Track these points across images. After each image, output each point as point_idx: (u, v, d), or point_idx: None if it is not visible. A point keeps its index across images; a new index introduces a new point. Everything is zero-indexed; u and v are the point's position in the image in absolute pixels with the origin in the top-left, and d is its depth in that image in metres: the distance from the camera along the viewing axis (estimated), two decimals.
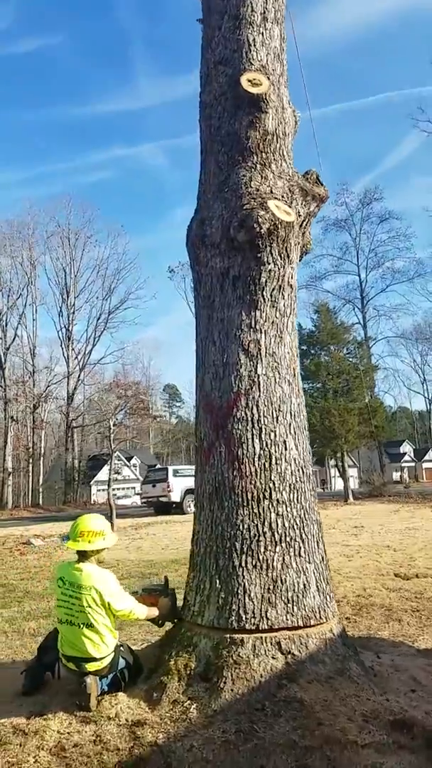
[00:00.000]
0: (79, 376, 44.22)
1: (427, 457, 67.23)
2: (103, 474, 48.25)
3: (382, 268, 51.29)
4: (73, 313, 45.49)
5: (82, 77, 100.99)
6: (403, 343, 58.92)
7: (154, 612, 3.69)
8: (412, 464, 64.55)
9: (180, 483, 20.98)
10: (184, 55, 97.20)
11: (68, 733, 3.10)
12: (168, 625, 3.91)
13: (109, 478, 18.60)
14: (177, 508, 20.47)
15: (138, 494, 46.55)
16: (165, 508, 20.68)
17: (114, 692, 3.43)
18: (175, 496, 20.44)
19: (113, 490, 19.19)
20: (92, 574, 3.45)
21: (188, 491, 20.81)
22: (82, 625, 3.39)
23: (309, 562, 3.57)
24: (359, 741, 2.76)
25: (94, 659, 3.42)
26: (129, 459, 50.85)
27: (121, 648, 3.59)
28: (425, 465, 66.38)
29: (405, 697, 3.30)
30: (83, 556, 3.54)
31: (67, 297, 45.29)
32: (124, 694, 3.40)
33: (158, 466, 36.28)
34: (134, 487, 47.32)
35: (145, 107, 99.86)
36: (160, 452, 67.37)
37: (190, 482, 21.33)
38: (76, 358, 45.30)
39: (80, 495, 44.71)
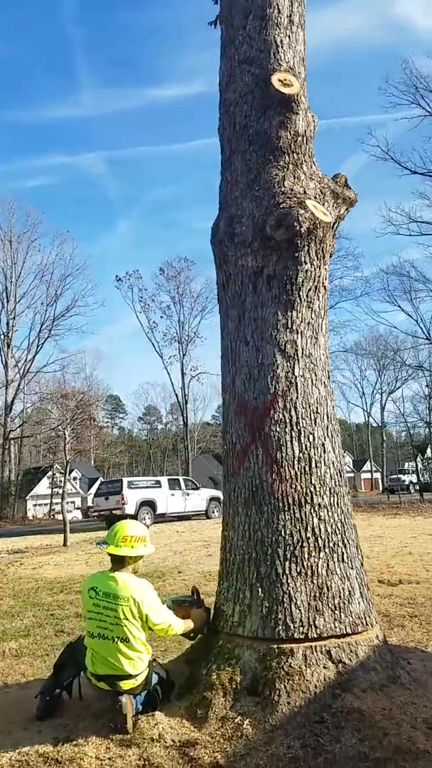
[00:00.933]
0: (19, 385, 42.65)
1: (365, 468, 69.16)
2: (41, 488, 46.64)
3: (332, 285, 52.61)
4: (14, 318, 43.95)
5: (24, 81, 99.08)
6: (344, 358, 60.62)
7: (190, 625, 3.49)
8: (351, 475, 66.25)
9: (134, 495, 20.51)
10: (127, 68, 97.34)
11: (109, 758, 2.87)
12: (198, 638, 3.73)
13: (63, 491, 17.98)
14: None
15: (78, 509, 45.33)
16: (118, 521, 20.15)
17: (149, 711, 3.22)
18: (130, 509, 19.91)
19: (55, 504, 18.60)
20: (129, 583, 3.23)
21: (143, 503, 20.39)
22: (117, 639, 3.16)
23: (351, 568, 3.49)
24: (430, 750, 2.69)
25: (130, 676, 3.19)
26: (69, 472, 49.49)
27: (154, 663, 3.38)
28: (363, 476, 68.25)
29: None
30: (119, 564, 3.33)
31: (7, 302, 43.73)
32: (161, 713, 3.19)
33: (101, 479, 35.42)
34: (73, 501, 46.04)
35: (87, 116, 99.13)
36: (101, 465, 66.05)
37: (144, 494, 20.94)
38: (16, 365, 43.73)
39: (16, 510, 42.94)
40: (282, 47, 4.18)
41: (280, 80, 4.03)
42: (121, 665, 3.17)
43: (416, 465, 48.30)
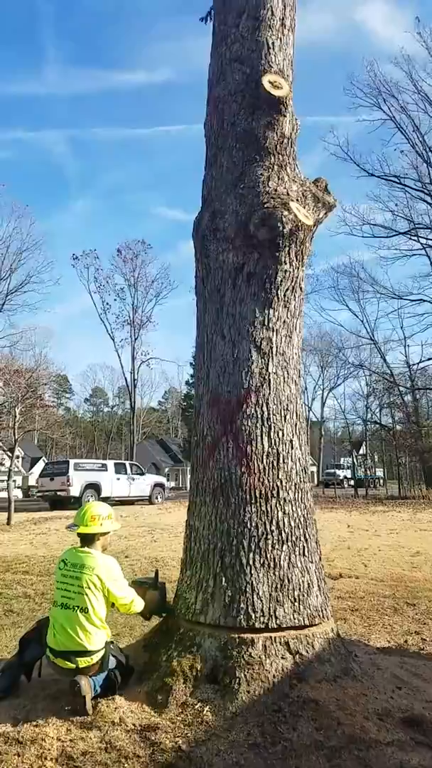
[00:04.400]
0: None
1: None
2: None
3: None
4: None
5: None
6: None
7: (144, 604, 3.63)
8: None
9: (80, 477, 20.27)
10: (94, 49, 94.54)
11: (71, 740, 2.89)
12: (155, 620, 3.79)
13: (10, 470, 17.54)
14: (75, 503, 19.75)
15: (19, 488, 44.28)
16: (62, 502, 19.86)
17: (108, 695, 3.26)
18: (75, 491, 19.67)
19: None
20: (96, 556, 3.41)
21: (88, 486, 20.18)
22: (77, 609, 3.28)
23: (311, 562, 3.61)
24: (381, 739, 2.83)
25: (86, 652, 3.26)
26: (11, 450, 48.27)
27: (111, 646, 3.42)
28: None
29: (395, 694, 3.44)
30: (89, 542, 3.49)
31: None
32: (121, 697, 3.22)
33: (45, 459, 34.73)
34: (15, 480, 44.98)
35: (51, 94, 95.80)
36: (43, 444, 64.71)
37: (90, 477, 20.74)
38: None
39: None
40: (273, 49, 4.21)
41: (270, 82, 4.06)
42: (78, 637, 3.24)
43: (352, 461, 49.86)
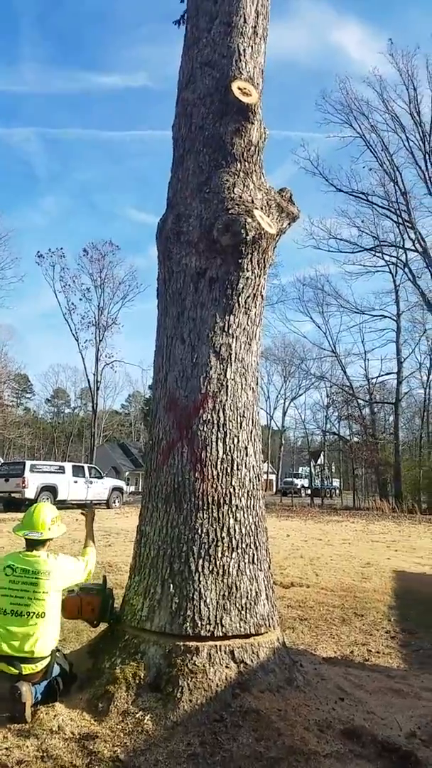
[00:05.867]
0: None
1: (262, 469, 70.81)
2: None
3: None
4: None
5: None
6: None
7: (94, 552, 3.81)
8: None
9: (36, 479, 19.83)
10: (73, 50, 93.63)
11: (6, 748, 2.80)
12: (102, 626, 3.72)
13: None
14: (30, 505, 19.26)
15: None
16: (16, 504, 19.36)
17: (48, 702, 3.17)
18: (30, 493, 19.20)
19: None
20: (48, 560, 3.33)
21: (44, 488, 19.77)
22: (32, 615, 3.20)
23: (260, 570, 3.60)
24: (320, 751, 2.82)
25: (32, 659, 3.17)
26: None
27: (57, 653, 3.33)
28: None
29: (338, 705, 3.45)
30: (38, 545, 3.40)
31: None
32: (61, 704, 3.14)
33: (1, 459, 33.92)
34: None
35: (25, 92, 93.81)
36: (0, 444, 63.18)
37: (47, 479, 20.32)
38: None
39: None
40: (244, 56, 4.23)
41: (239, 88, 4.07)
42: (27, 643, 3.15)
43: (310, 470, 50.41)
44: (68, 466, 22.65)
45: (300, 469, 57.31)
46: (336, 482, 54.30)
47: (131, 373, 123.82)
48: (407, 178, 34.89)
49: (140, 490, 51.03)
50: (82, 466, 23.78)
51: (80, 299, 43.41)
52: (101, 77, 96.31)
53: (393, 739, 3.01)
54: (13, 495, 19.42)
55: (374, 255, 34.58)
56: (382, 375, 39.03)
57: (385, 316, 35.94)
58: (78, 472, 22.39)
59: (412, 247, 32.22)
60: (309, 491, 46.18)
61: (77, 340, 43.61)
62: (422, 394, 40.39)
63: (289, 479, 49.89)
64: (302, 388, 51.01)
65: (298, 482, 50.68)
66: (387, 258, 34.67)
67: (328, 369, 42.46)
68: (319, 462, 51.98)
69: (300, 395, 53.45)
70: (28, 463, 20.58)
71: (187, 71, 4.34)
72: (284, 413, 56.91)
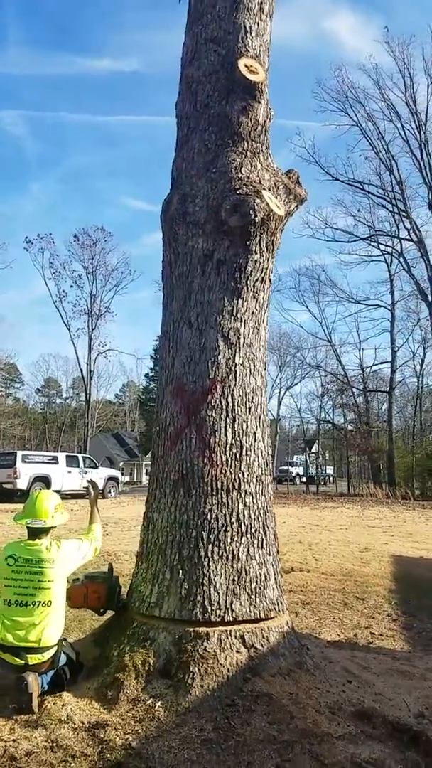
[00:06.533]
0: None
1: None
2: None
3: None
4: None
5: None
6: None
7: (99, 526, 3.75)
8: None
9: (28, 469, 19.72)
10: (62, 33, 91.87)
11: (14, 740, 2.76)
12: (107, 614, 3.69)
13: None
14: (23, 496, 19.22)
15: None
16: (8, 495, 19.27)
17: (55, 692, 3.13)
18: (22, 483, 19.08)
19: None
20: (51, 548, 3.27)
21: (37, 479, 19.68)
22: (38, 604, 3.14)
23: (269, 554, 3.58)
24: (333, 733, 2.81)
25: (38, 649, 3.12)
26: None
27: (64, 643, 3.30)
28: None
29: (347, 687, 3.45)
30: (39, 534, 3.32)
31: None
32: (69, 694, 3.11)
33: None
34: None
35: (12, 74, 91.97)
36: None
37: (40, 469, 20.22)
38: None
39: None
40: (250, 33, 4.13)
41: (246, 66, 3.98)
42: (36, 633, 3.11)
43: (305, 458, 50.61)
44: (62, 456, 22.55)
45: (295, 457, 57.52)
46: (330, 470, 54.59)
47: (125, 363, 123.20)
48: (403, 167, 34.89)
49: (135, 480, 51.16)
50: (77, 456, 23.70)
51: (71, 286, 43.09)
52: (92, 61, 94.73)
53: (403, 719, 3.01)
54: (4, 486, 19.32)
55: (370, 244, 34.54)
56: (377, 364, 39.16)
57: (380, 306, 35.97)
58: (72, 462, 22.30)
59: (407, 237, 32.21)
60: (304, 479, 46.44)
61: (69, 329, 43.36)
62: (415, 382, 40.54)
63: (285, 467, 50.02)
64: (297, 378, 50.85)
65: (294, 470, 50.87)
66: (382, 247, 34.65)
67: (323, 358, 42.46)
68: (313, 450, 52.31)
69: (295, 385, 53.26)
70: (20, 453, 20.44)
71: (191, 48, 4.23)
72: (279, 403, 56.91)
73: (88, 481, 4.12)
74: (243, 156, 3.92)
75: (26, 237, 43.31)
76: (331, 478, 52.32)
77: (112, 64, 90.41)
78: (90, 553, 3.52)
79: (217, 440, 3.52)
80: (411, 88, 30.55)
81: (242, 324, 3.72)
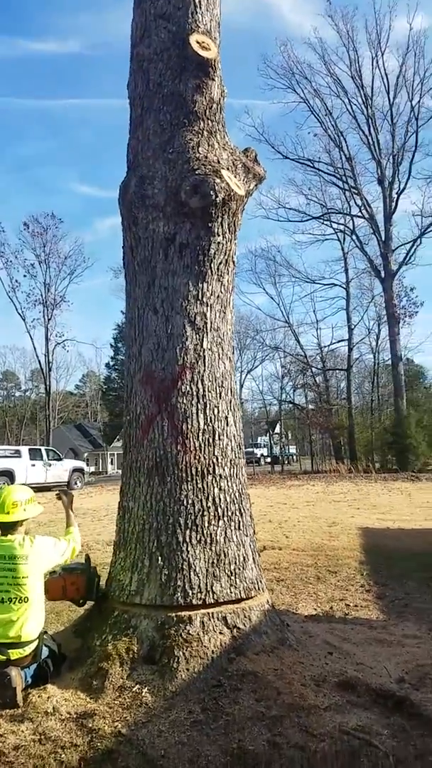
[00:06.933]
0: None
1: None
2: None
3: None
4: None
5: None
6: None
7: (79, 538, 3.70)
8: None
9: None
10: (2, 15, 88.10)
11: (1, 735, 2.73)
12: (87, 605, 3.68)
13: None
14: None
15: None
16: None
17: (39, 685, 3.12)
18: None
19: None
20: (25, 544, 3.23)
21: (0, 473, 19.33)
22: (13, 600, 3.11)
23: (246, 535, 3.61)
24: (319, 704, 2.88)
25: (19, 644, 3.11)
26: None
27: (45, 635, 3.27)
28: None
29: (329, 659, 3.53)
30: (10, 529, 3.28)
31: None
32: (53, 686, 3.09)
33: None
34: None
35: None
36: None
37: (2, 463, 19.86)
38: None
39: None
40: (200, 8, 4.06)
41: (198, 42, 3.92)
42: (14, 629, 3.09)
43: (269, 439, 51.18)
44: (24, 449, 22.17)
45: (259, 438, 58.12)
46: (293, 449, 55.42)
47: (84, 353, 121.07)
48: (352, 143, 35.08)
49: (101, 470, 50.76)
50: (40, 449, 23.32)
51: (24, 276, 41.95)
52: (33, 43, 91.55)
53: (386, 686, 3.11)
54: None
55: (322, 223, 34.72)
56: (334, 343, 39.68)
57: (335, 284, 36.32)
58: (35, 455, 21.96)
59: (359, 214, 32.49)
60: (269, 459, 47.00)
61: (24, 320, 42.28)
62: (371, 359, 41.36)
63: (249, 449, 50.49)
64: (258, 360, 51.16)
65: (258, 452, 51.47)
66: (335, 226, 34.87)
67: (282, 339, 42.77)
68: (276, 431, 52.91)
69: (256, 367, 53.68)
70: None
71: (140, 25, 4.13)
72: (241, 386, 57.25)
73: (58, 492, 4.07)
74: (200, 135, 3.87)
75: None
76: (294, 457, 53.15)
77: (57, 46, 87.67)
78: (68, 552, 3.51)
79: (189, 426, 3.52)
80: (356, 62, 30.63)
81: (208, 308, 3.70)
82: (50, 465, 22.07)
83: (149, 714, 2.81)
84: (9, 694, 2.95)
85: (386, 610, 5.16)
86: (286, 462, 46.71)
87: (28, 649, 3.13)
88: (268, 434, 53.33)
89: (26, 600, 3.11)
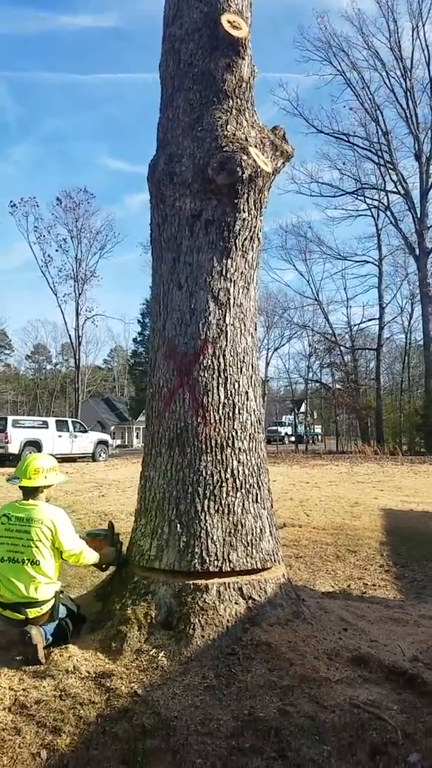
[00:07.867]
0: None
1: None
2: None
3: None
4: None
5: None
6: None
7: (97, 556, 3.60)
8: None
9: (19, 434, 19.81)
10: None
11: (23, 689, 2.87)
12: (109, 570, 3.81)
13: None
14: (14, 460, 19.32)
15: None
16: (0, 460, 19.41)
17: (60, 644, 3.26)
18: (13, 448, 19.22)
19: None
20: (43, 508, 3.35)
21: (27, 443, 19.77)
22: (27, 562, 3.24)
23: (264, 508, 3.67)
24: (331, 677, 2.95)
25: (36, 603, 3.24)
26: None
27: (62, 595, 3.42)
28: None
29: (343, 635, 3.59)
30: (32, 495, 3.41)
31: None
32: (74, 646, 3.23)
33: None
34: None
35: None
36: None
37: (30, 434, 20.32)
38: None
39: None
40: None
41: (229, 21, 3.87)
42: (27, 589, 3.22)
43: (294, 418, 51.08)
44: (52, 420, 22.64)
45: (284, 417, 58.03)
46: (319, 429, 55.20)
47: (113, 328, 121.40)
48: (388, 117, 34.10)
49: (126, 443, 51.46)
50: (66, 421, 23.78)
51: (56, 250, 42.43)
52: (67, 17, 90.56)
53: (398, 663, 3.15)
54: None
55: (356, 198, 34.13)
56: (364, 321, 39.27)
57: (368, 262, 35.80)
58: (62, 426, 22.42)
59: (394, 189, 31.82)
60: (293, 438, 46.99)
61: (56, 294, 42.86)
62: (403, 338, 40.74)
63: (273, 427, 50.55)
64: (285, 338, 50.82)
65: (282, 430, 51.43)
66: (369, 201, 34.26)
67: (310, 317, 42.40)
68: (302, 410, 52.75)
69: (283, 345, 53.28)
70: (10, 418, 20.56)
71: (173, 5, 4.10)
72: (267, 364, 57.04)
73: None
74: (228, 113, 3.84)
75: (11, 201, 42.35)
76: (319, 437, 52.98)
77: (91, 20, 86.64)
78: (77, 549, 3.38)
79: (210, 400, 3.56)
80: (395, 34, 29.81)
81: (232, 284, 3.72)
82: (76, 437, 22.50)
83: (164, 677, 2.92)
84: (30, 650, 3.09)
85: (404, 591, 5.20)
86: (311, 442, 46.65)
87: (45, 608, 3.26)
88: (293, 413, 53.19)
89: (37, 563, 3.23)
